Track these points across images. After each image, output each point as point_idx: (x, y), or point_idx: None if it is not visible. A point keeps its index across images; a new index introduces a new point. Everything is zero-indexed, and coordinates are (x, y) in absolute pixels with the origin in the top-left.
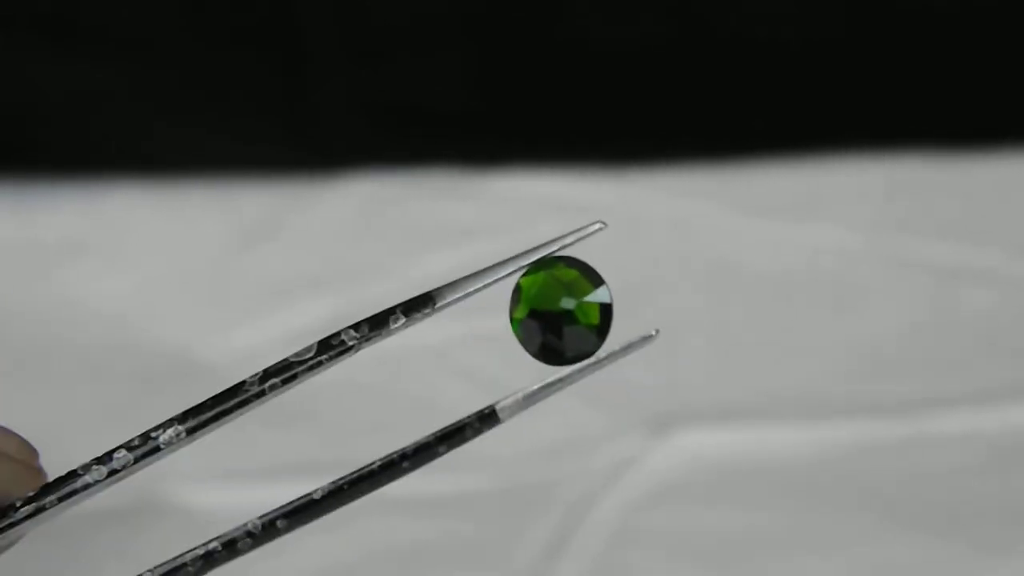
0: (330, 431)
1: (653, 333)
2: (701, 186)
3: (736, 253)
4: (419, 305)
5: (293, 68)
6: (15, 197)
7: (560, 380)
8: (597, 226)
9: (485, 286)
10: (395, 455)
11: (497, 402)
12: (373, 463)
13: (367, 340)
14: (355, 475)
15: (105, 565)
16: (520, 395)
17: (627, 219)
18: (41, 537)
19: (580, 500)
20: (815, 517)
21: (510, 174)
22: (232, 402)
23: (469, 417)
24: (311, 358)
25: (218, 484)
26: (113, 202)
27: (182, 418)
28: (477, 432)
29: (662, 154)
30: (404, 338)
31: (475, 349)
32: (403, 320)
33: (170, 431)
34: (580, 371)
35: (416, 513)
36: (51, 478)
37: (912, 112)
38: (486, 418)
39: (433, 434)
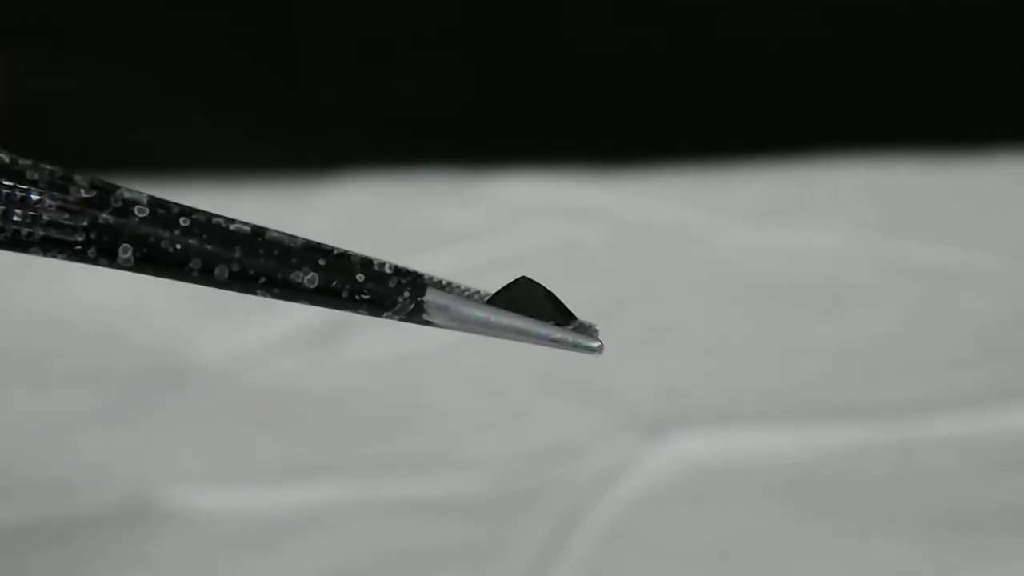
0: (324, 435)
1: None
2: (695, 189)
3: (730, 257)
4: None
5: (290, 72)
6: None
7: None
8: None
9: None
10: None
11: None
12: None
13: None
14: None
15: (99, 571)
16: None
17: (620, 222)
18: (35, 543)
19: (573, 504)
20: (810, 521)
21: (506, 177)
22: None
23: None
24: None
25: (212, 487)
26: None
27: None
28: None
29: (655, 157)
30: (396, 343)
31: (467, 354)
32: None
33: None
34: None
35: (407, 517)
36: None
37: (905, 114)
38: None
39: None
